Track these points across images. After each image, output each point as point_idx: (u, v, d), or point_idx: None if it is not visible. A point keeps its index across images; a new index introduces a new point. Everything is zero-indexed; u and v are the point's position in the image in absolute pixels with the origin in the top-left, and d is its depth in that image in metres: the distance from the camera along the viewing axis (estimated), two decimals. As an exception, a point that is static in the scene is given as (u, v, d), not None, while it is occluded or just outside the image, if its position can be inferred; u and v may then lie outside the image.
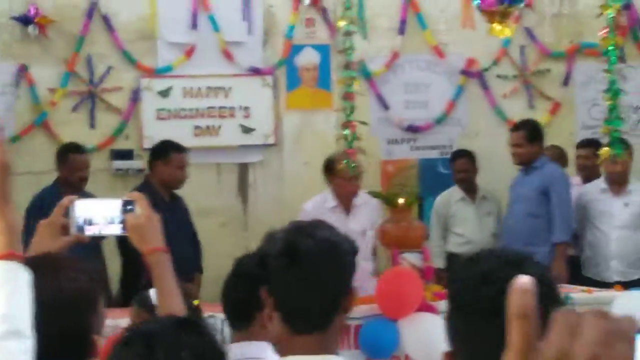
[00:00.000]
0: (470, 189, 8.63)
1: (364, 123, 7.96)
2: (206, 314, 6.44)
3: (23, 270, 1.65)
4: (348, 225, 6.93)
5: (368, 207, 7.60)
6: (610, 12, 7.61)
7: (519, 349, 0.84)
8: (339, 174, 7.55)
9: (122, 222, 2.69)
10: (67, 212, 2.87)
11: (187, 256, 7.40)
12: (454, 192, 8.69)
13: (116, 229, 2.76)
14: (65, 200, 2.96)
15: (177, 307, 2.76)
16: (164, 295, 2.83)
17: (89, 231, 2.86)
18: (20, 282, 1.64)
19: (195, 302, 4.21)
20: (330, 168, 7.63)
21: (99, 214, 2.84)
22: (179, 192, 7.85)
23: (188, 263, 7.51)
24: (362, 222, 7.70)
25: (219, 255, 7.71)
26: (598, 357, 0.78)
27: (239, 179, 9.12)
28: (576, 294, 6.90)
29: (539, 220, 7.97)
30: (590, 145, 8.59)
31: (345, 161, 7.74)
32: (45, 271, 2.35)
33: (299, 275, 2.37)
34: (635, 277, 7.85)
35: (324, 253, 2.34)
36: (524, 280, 0.85)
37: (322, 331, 2.56)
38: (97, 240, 6.68)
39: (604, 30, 7.71)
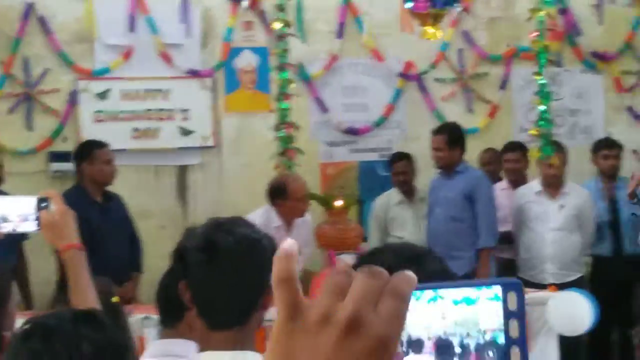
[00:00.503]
0: (408, 191, 8.57)
1: (296, 127, 8.09)
2: (142, 314, 6.38)
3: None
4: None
5: (305, 225, 7.52)
6: (541, 16, 8.20)
7: (284, 314, 0.82)
8: (292, 196, 7.41)
9: (37, 219, 2.65)
10: None
11: (123, 255, 7.45)
12: (393, 195, 8.64)
13: (31, 226, 2.71)
14: None
15: (91, 304, 2.73)
16: (78, 292, 2.78)
17: (4, 228, 2.81)
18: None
19: (115, 299, 3.93)
20: (280, 191, 7.42)
21: (14, 211, 2.80)
22: (119, 192, 7.72)
23: (125, 262, 7.52)
24: (299, 240, 7.43)
25: (158, 257, 7.64)
26: (359, 314, 0.79)
27: (178, 181, 9.06)
28: None
29: (462, 225, 7.92)
30: (517, 148, 8.69)
31: (283, 161, 8.02)
32: None
33: (217, 271, 2.34)
34: (569, 279, 7.83)
35: (243, 250, 2.30)
36: (286, 246, 0.83)
37: (239, 327, 2.51)
38: (18, 238, 6.47)
39: (534, 34, 8.32)
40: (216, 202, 8.73)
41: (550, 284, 7.52)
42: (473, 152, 8.80)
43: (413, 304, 0.85)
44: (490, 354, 0.86)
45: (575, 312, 6.60)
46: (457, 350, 0.87)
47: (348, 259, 6.90)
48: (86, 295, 2.81)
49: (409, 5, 7.19)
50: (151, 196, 8.72)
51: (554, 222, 7.94)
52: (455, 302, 0.87)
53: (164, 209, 8.65)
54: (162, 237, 8.12)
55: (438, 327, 0.88)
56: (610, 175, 8.47)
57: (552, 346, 6.77)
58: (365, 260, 1.94)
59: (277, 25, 8.05)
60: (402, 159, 8.61)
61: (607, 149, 8.52)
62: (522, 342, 0.86)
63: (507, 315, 0.86)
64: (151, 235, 7.99)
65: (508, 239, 8.34)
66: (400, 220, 8.37)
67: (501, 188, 8.52)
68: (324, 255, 7.89)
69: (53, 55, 8.47)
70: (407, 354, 0.88)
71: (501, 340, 0.86)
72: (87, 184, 7.50)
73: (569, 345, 7.03)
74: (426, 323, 0.88)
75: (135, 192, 8.17)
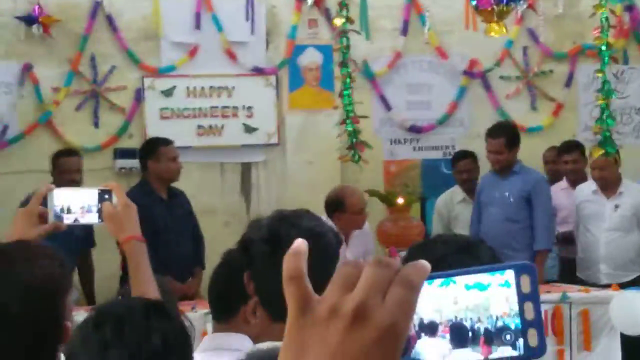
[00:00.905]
0: (471, 189, 8.47)
1: (364, 117, 8.11)
2: (205, 310, 6.21)
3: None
4: (345, 255, 6.62)
5: (363, 235, 7.39)
6: (605, 12, 7.90)
7: (295, 309, 0.82)
8: (350, 209, 7.35)
9: (99, 211, 2.63)
10: (45, 201, 2.80)
11: (186, 251, 7.50)
12: (456, 193, 8.61)
13: (93, 218, 2.71)
14: (43, 188, 2.88)
15: (151, 295, 2.67)
16: (139, 284, 2.78)
17: (67, 220, 2.80)
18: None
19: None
20: (338, 204, 7.32)
21: (77, 203, 2.80)
22: (183, 189, 7.74)
23: (188, 257, 7.55)
24: (358, 251, 7.43)
25: (221, 253, 7.66)
26: (365, 304, 0.79)
27: (242, 178, 9.05)
28: (573, 293, 6.88)
29: (518, 225, 7.84)
30: (573, 149, 8.55)
31: (350, 153, 7.99)
32: (19, 258, 2.37)
33: (281, 263, 2.24)
34: (625, 280, 7.68)
35: (315, 246, 2.18)
36: (296, 244, 0.84)
37: None
38: (87, 230, 6.57)
39: (596, 30, 8.07)
40: (279, 199, 8.65)
41: (609, 284, 7.45)
42: (537, 150, 8.95)
43: (425, 287, 0.84)
44: (508, 337, 0.86)
45: (638, 311, 6.52)
46: (469, 334, 0.88)
47: None
48: (147, 286, 2.79)
49: (474, 2, 7.12)
50: (215, 193, 8.73)
51: (608, 222, 7.84)
52: (468, 287, 0.87)
53: (228, 205, 8.65)
54: (225, 233, 8.06)
55: (450, 311, 0.87)
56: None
57: (616, 346, 6.64)
58: (415, 251, 2.09)
59: (339, 22, 7.97)
60: (466, 157, 8.60)
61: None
62: (539, 323, 0.86)
63: (522, 298, 0.86)
64: (215, 231, 7.95)
65: (570, 239, 8.22)
66: (463, 218, 8.31)
67: (561, 188, 8.46)
68: (385, 253, 7.72)
69: (120, 53, 8.56)
70: (419, 336, 0.88)
71: (513, 325, 0.86)
72: (153, 180, 7.50)
73: (632, 345, 6.84)
74: (437, 307, 0.88)
75: (200, 189, 8.25)
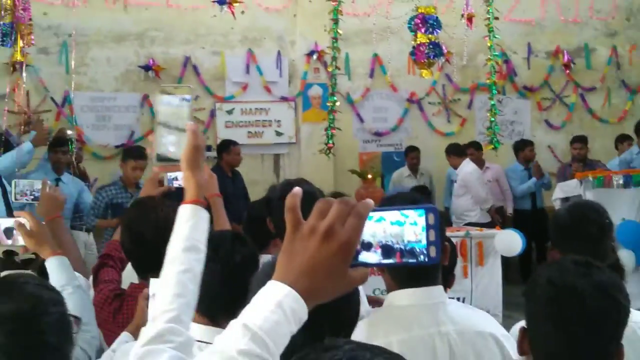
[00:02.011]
0: (415, 169, 10.12)
1: (338, 128, 9.37)
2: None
3: (204, 211, 1.86)
4: None
5: None
6: (492, 63, 9.49)
7: (290, 228, 1.19)
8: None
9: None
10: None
11: (240, 209, 7.39)
12: (404, 171, 10.18)
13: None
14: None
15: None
16: (219, 225, 3.04)
17: (176, 184, 3.16)
18: (202, 218, 1.86)
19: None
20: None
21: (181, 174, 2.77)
22: (240, 170, 9.10)
23: (240, 213, 7.39)
24: None
25: (262, 209, 8.79)
26: (332, 227, 1.15)
27: (273, 163, 10.73)
28: (473, 231, 7.93)
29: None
30: (476, 145, 9.99)
31: (325, 149, 9.32)
32: (150, 205, 2.91)
33: None
34: (467, 221, 9.09)
35: (305, 199, 1.75)
36: (295, 190, 1.22)
37: None
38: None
39: (487, 74, 9.74)
40: (296, 175, 9.32)
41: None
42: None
43: (367, 221, 1.18)
44: (417, 250, 1.18)
45: (511, 242, 7.44)
46: (391, 251, 1.19)
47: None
48: (225, 225, 3.09)
49: (414, 57, 8.47)
50: (258, 172, 10.18)
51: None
52: (392, 223, 1.19)
53: (265, 179, 9.72)
54: (263, 195, 8.40)
55: (380, 236, 1.19)
56: (529, 161, 10.05)
57: (497, 263, 7.63)
58: (385, 202, 2.57)
59: (330, 69, 9.41)
60: (414, 150, 10.20)
61: (530, 145, 10.13)
62: (437, 243, 1.17)
63: (428, 227, 1.17)
64: (257, 195, 7.14)
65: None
66: (407, 186, 9.65)
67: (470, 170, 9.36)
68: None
69: (201, 87, 10.18)
70: (360, 252, 1.19)
71: (421, 244, 1.18)
72: (224, 165, 8.66)
73: (506, 261, 7.83)
74: (373, 233, 1.20)
75: (249, 170, 9.50)
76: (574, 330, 1.80)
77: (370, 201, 1.16)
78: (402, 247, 1.18)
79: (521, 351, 1.87)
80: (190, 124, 1.87)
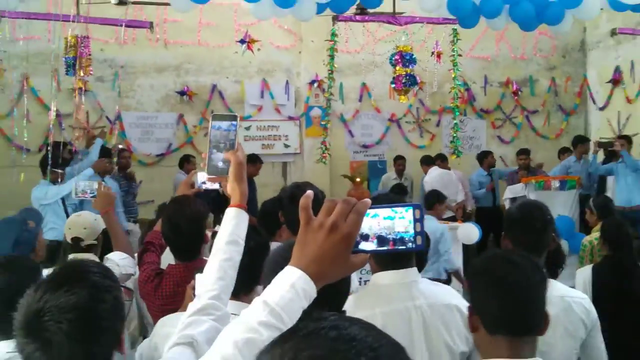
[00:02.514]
0: (400, 174, 9.94)
1: (330, 144, 9.56)
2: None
3: (245, 213, 1.81)
4: None
5: None
6: (456, 90, 9.79)
7: (303, 223, 1.18)
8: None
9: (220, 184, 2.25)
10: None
11: (253, 207, 7.83)
12: (391, 174, 10.08)
13: (216, 186, 2.60)
14: (192, 173, 3.16)
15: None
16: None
17: (204, 186, 2.98)
18: (243, 219, 1.80)
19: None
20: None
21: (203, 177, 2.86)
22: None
23: (253, 210, 8.52)
24: None
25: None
26: (337, 222, 1.14)
27: (282, 169, 10.72)
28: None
29: None
30: (443, 157, 9.79)
31: (321, 158, 9.37)
32: (185, 202, 2.86)
33: (296, 206, 1.61)
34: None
35: (316, 194, 1.68)
36: (307, 193, 1.19)
37: None
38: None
39: (452, 99, 9.98)
40: (300, 179, 9.47)
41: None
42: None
43: (365, 218, 1.16)
44: (406, 239, 1.18)
45: (470, 233, 7.25)
46: (385, 240, 1.18)
47: None
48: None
49: (393, 85, 8.47)
50: (269, 176, 10.09)
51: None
52: (384, 218, 1.19)
53: (275, 182, 10.05)
54: (273, 195, 8.78)
55: (376, 229, 1.19)
56: (492, 167, 9.87)
57: (459, 249, 7.28)
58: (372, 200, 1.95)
59: (327, 95, 9.61)
60: (401, 158, 10.08)
61: (491, 154, 10.03)
62: (422, 233, 1.17)
63: (415, 220, 1.18)
64: (268, 195, 7.05)
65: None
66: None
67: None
68: None
69: (225, 109, 10.10)
70: (359, 242, 1.18)
71: (409, 234, 1.18)
72: (247, 173, 8.94)
73: (466, 249, 7.56)
74: (369, 226, 1.19)
75: (263, 174, 9.17)
76: (507, 302, 1.78)
77: (368, 200, 1.17)
78: (394, 237, 1.18)
79: (472, 327, 1.83)
80: (239, 146, 1.88)
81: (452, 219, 8.46)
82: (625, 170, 8.36)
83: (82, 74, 6.51)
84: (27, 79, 8.90)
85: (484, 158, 9.92)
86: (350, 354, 0.80)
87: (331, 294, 1.27)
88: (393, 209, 1.19)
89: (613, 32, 9.80)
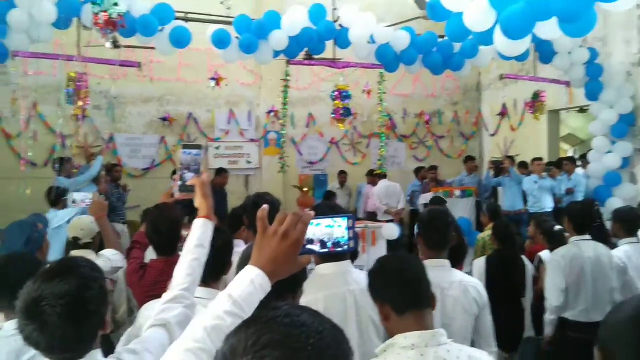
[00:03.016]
0: (343, 184, 10.14)
1: (286, 160, 9.71)
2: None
3: (211, 223, 1.75)
4: None
5: None
6: (382, 120, 10.31)
7: (260, 231, 1.15)
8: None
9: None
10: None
11: (223, 211, 7.25)
12: (335, 185, 10.22)
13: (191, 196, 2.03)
14: (172, 186, 2.41)
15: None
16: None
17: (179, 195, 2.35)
18: (209, 227, 1.76)
19: None
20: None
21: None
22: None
23: (222, 214, 8.28)
24: None
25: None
26: (287, 231, 1.13)
27: (245, 181, 10.59)
28: (370, 224, 7.30)
29: None
30: (377, 174, 9.60)
31: (282, 170, 9.43)
32: (165, 208, 2.76)
33: (256, 212, 1.75)
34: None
35: (269, 204, 1.66)
36: (264, 206, 1.17)
37: None
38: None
39: (379, 126, 10.42)
40: (259, 189, 9.20)
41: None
42: (360, 174, 10.39)
43: (310, 226, 1.15)
44: (342, 242, 1.18)
45: (392, 231, 7.06)
46: (326, 244, 1.17)
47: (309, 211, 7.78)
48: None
49: (333, 115, 8.14)
50: (235, 186, 9.93)
51: None
52: (325, 226, 1.19)
53: (240, 191, 10.00)
54: (237, 202, 8.01)
55: (319, 235, 1.18)
56: (425, 179, 9.82)
57: (383, 244, 7.08)
58: (313, 208, 2.29)
59: (281, 122, 9.87)
60: (343, 173, 10.29)
61: (424, 169, 10.09)
62: (355, 238, 1.20)
63: (349, 228, 1.18)
64: (234, 201, 8.18)
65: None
66: (340, 196, 9.58)
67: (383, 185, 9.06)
68: (300, 210, 8.69)
69: (199, 133, 10.09)
70: (305, 245, 1.17)
71: (345, 239, 1.18)
72: (215, 184, 7.67)
73: (390, 243, 7.12)
74: (313, 233, 1.18)
75: (230, 185, 9.21)
76: (405, 285, 1.82)
77: (312, 213, 1.17)
78: (333, 241, 1.19)
79: (384, 317, 1.83)
80: (204, 170, 1.90)
81: (391, 221, 8.44)
82: (510, 183, 8.59)
83: (80, 104, 6.38)
84: (36, 106, 8.75)
85: (419, 172, 10.01)
86: (301, 338, 0.82)
87: (291, 279, 1.27)
88: (333, 219, 1.19)
89: (501, 77, 9.99)
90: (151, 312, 1.82)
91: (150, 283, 2.66)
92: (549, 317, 3.76)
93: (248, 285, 1.15)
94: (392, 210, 9.06)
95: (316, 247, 1.19)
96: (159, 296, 2.30)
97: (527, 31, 4.69)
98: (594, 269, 3.74)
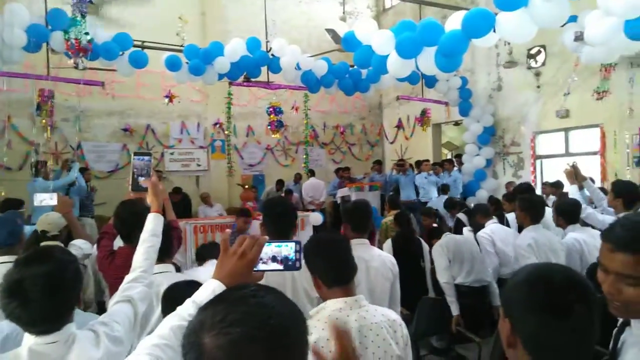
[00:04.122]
0: (281, 184, 9.32)
1: (233, 162, 9.53)
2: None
3: (161, 216, 1.73)
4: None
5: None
6: (307, 131, 9.92)
7: (221, 252, 1.11)
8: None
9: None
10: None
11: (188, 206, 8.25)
12: (273, 187, 9.42)
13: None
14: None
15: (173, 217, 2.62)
16: (169, 216, 2.60)
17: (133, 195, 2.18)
18: (160, 220, 1.74)
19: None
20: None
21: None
22: (177, 184, 8.79)
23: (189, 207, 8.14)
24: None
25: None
26: (245, 251, 1.10)
27: (196, 180, 10.13)
28: None
29: None
30: (347, 169, 9.76)
31: (228, 173, 9.10)
32: (130, 203, 2.52)
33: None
34: None
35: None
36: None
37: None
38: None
39: (304, 137, 10.33)
40: (208, 188, 9.57)
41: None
42: (290, 175, 9.89)
43: (265, 247, 1.12)
44: (290, 261, 1.13)
45: (317, 218, 6.78)
46: (279, 260, 1.12)
47: (250, 205, 7.26)
48: (171, 217, 2.66)
49: (269, 127, 7.85)
50: (187, 185, 9.57)
51: None
52: (276, 246, 1.13)
53: (192, 189, 9.56)
54: (190, 198, 8.87)
55: (270, 253, 1.13)
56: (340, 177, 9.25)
57: (310, 229, 6.52)
58: (261, 207, 2.21)
59: (227, 132, 9.66)
60: (280, 182, 9.49)
61: (341, 170, 9.50)
62: (300, 258, 1.14)
63: (296, 250, 1.14)
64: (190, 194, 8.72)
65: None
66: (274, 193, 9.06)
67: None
68: (240, 203, 8.14)
69: (156, 140, 9.58)
70: (258, 263, 1.12)
71: (292, 258, 1.13)
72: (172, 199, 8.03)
73: (315, 229, 6.69)
74: (266, 252, 1.13)
75: (182, 184, 9.11)
76: (331, 260, 1.76)
77: (266, 237, 1.14)
78: (281, 257, 1.15)
79: (317, 287, 1.76)
80: (153, 173, 1.90)
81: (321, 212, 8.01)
82: (406, 180, 8.64)
83: (48, 116, 6.10)
84: (10, 118, 8.08)
85: (338, 172, 9.75)
86: (264, 317, 0.77)
87: None
88: (284, 242, 1.16)
89: (397, 98, 9.89)
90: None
91: (119, 266, 2.51)
92: (443, 284, 3.84)
93: (210, 294, 1.11)
94: (315, 201, 8.89)
95: (268, 265, 1.14)
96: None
97: (415, 53, 4.91)
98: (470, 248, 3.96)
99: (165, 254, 2.21)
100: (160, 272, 2.16)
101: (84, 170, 7.65)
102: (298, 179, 9.51)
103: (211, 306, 0.80)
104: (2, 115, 7.89)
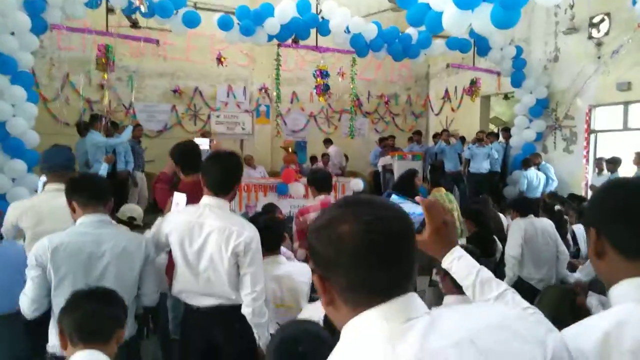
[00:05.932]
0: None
1: (280, 126, 9.51)
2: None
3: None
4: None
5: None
6: (352, 99, 9.15)
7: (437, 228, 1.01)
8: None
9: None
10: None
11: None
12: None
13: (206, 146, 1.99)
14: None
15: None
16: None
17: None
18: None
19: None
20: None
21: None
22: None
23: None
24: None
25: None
26: (447, 221, 1.05)
27: (240, 143, 9.48)
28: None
29: None
30: (391, 137, 9.62)
31: (277, 136, 9.29)
32: (187, 143, 2.83)
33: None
34: None
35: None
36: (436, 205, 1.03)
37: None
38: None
39: (349, 104, 9.41)
40: (252, 151, 9.42)
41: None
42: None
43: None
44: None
45: (358, 184, 6.94)
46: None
47: (293, 167, 6.97)
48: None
49: (314, 90, 7.93)
50: (232, 148, 7.98)
51: None
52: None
53: (236, 152, 10.05)
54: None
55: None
56: (386, 147, 9.23)
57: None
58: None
59: (277, 94, 9.01)
60: (329, 141, 10.03)
61: (387, 139, 9.60)
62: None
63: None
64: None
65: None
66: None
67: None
68: (282, 166, 8.05)
69: (203, 102, 9.73)
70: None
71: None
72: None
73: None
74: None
75: (227, 147, 8.31)
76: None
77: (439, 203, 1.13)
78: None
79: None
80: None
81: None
82: (450, 150, 8.65)
83: (106, 76, 6.37)
84: (68, 75, 8.50)
85: (382, 141, 9.81)
86: (390, 216, 0.78)
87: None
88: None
89: (448, 65, 9.60)
90: None
91: (182, 191, 2.66)
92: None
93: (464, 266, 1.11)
94: (341, 167, 9.06)
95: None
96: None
97: (474, 5, 4.76)
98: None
99: (276, 246, 2.53)
100: (211, 205, 2.23)
101: (135, 126, 7.85)
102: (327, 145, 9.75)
103: (337, 207, 0.80)
104: (61, 72, 8.25)
